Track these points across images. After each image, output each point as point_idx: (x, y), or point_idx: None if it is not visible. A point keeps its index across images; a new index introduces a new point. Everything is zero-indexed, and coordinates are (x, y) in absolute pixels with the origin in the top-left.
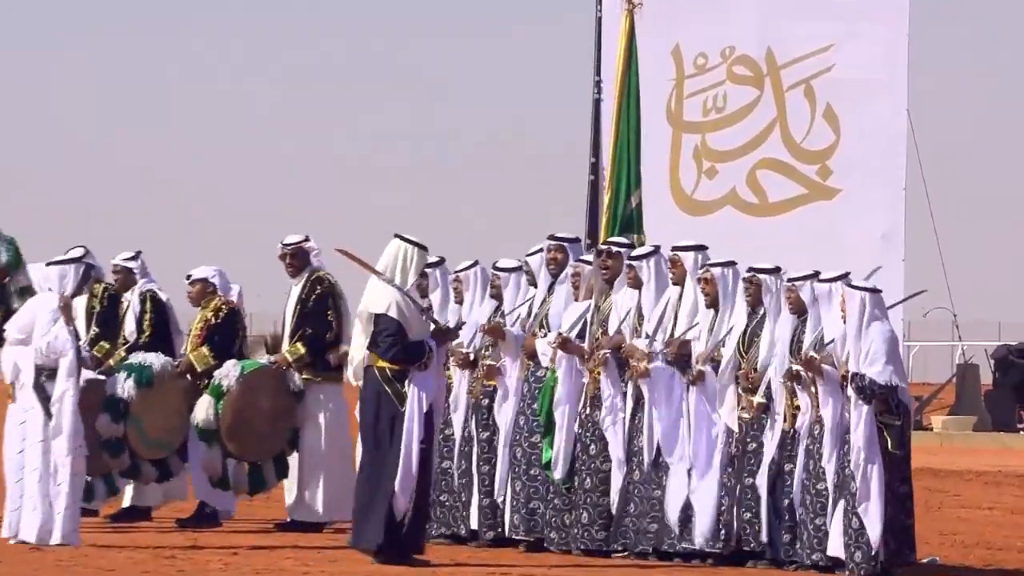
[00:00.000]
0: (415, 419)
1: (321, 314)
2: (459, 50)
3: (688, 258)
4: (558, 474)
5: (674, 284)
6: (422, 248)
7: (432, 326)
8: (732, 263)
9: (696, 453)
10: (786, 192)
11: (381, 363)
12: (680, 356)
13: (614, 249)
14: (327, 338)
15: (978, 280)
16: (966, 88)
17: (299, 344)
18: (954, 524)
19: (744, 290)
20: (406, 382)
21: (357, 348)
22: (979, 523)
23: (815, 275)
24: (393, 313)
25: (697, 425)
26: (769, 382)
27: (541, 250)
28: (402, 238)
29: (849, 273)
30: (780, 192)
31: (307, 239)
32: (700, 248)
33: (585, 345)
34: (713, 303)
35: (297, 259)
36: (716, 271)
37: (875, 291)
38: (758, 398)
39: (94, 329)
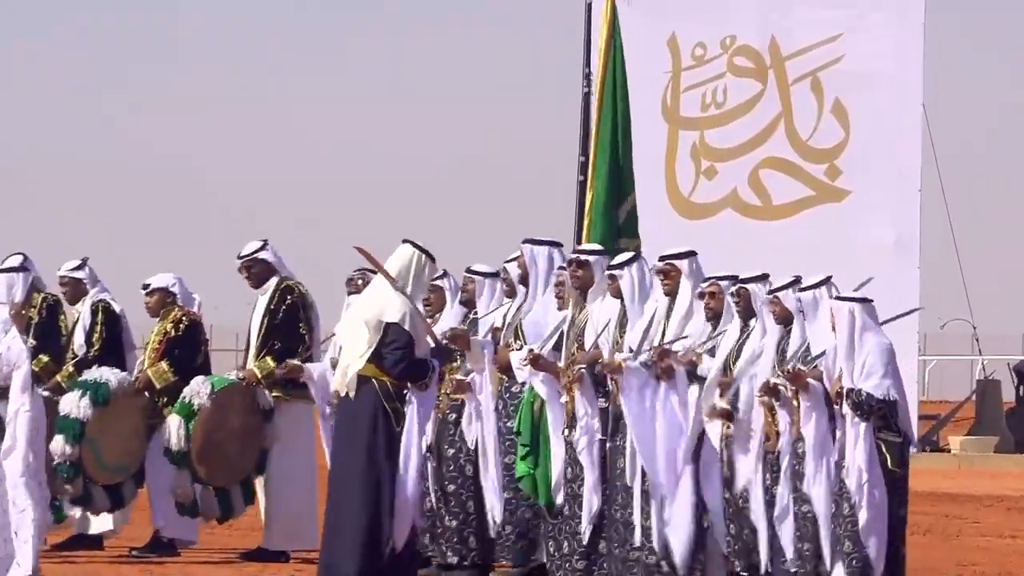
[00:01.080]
0: (414, 442)
1: (292, 327)
2: (443, 40)
3: (683, 266)
4: (559, 500)
5: (666, 295)
6: (432, 258)
7: (433, 343)
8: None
9: (666, 465)
10: (791, 194)
11: (383, 377)
12: (665, 367)
13: (583, 258)
14: (299, 352)
15: (999, 289)
16: (987, 80)
17: (268, 359)
18: (973, 554)
19: (734, 304)
20: (405, 400)
21: (352, 356)
22: (1001, 552)
23: (797, 282)
24: (406, 325)
25: (668, 434)
26: (737, 390)
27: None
28: (414, 245)
29: (830, 277)
30: (785, 194)
31: (264, 246)
32: (690, 254)
33: (562, 361)
34: (715, 317)
35: (258, 270)
36: (722, 284)
37: (864, 301)
38: (721, 402)
39: (31, 341)
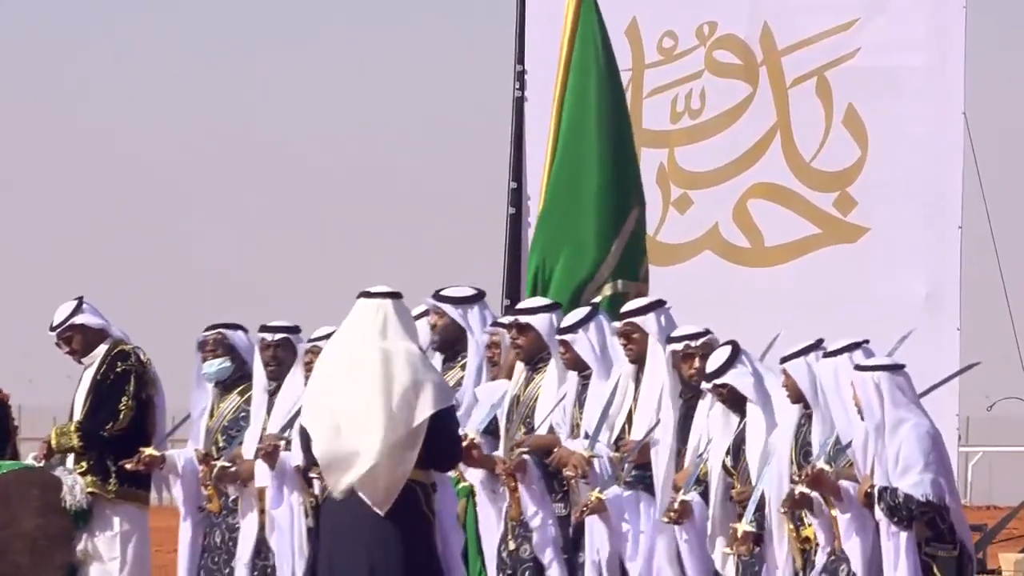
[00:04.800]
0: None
1: (113, 398)
2: (348, 33)
3: (648, 324)
4: None
5: (631, 362)
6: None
7: None
8: (736, 347)
9: None
10: (790, 231)
11: (421, 477)
12: (678, 511)
13: (523, 320)
14: (108, 431)
15: None
16: None
17: (74, 433)
18: None
19: (714, 391)
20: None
21: (395, 462)
22: None
23: (815, 346)
24: (454, 400)
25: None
26: (761, 499)
27: (425, 313)
28: (386, 295)
29: (866, 342)
30: (781, 231)
31: (79, 307)
32: (656, 306)
33: (501, 450)
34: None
35: (80, 339)
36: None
37: (894, 368)
38: (743, 524)
39: None
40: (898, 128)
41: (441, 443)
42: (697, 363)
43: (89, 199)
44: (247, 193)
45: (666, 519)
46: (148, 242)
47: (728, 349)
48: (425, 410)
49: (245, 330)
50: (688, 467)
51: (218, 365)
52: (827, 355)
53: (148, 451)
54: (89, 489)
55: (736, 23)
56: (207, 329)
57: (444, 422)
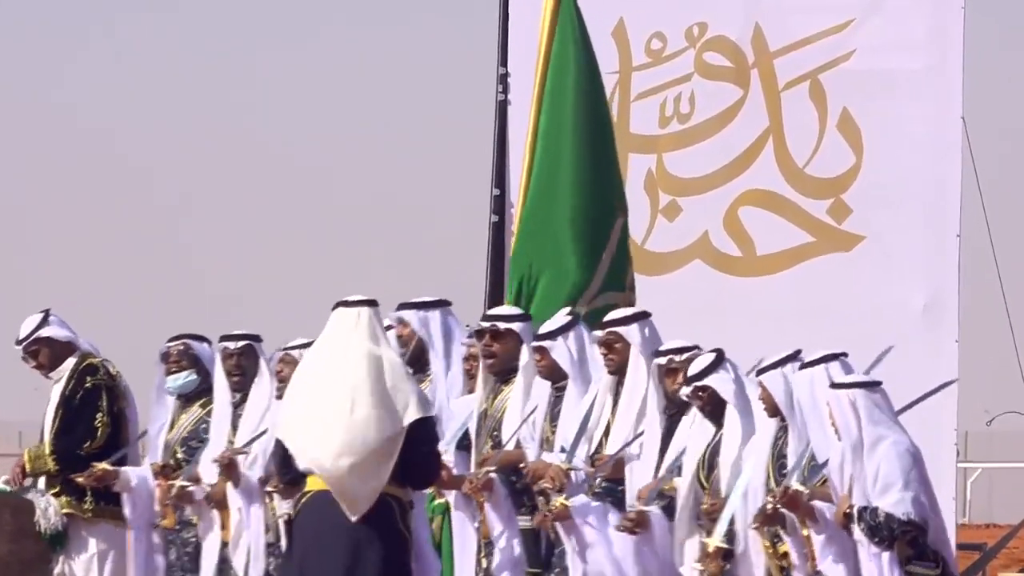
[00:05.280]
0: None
1: (86, 416)
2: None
3: (631, 334)
4: None
5: (611, 373)
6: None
7: None
8: (720, 353)
9: None
10: (783, 240)
11: (398, 492)
12: (634, 520)
13: (501, 326)
14: (86, 450)
15: None
16: None
17: (49, 456)
18: None
19: (694, 396)
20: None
21: (371, 469)
22: None
23: (792, 357)
24: (434, 411)
25: None
26: (733, 517)
27: (392, 326)
28: (361, 302)
29: (844, 355)
30: (774, 240)
31: (46, 319)
32: (640, 317)
33: (472, 466)
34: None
35: (46, 353)
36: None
37: (869, 385)
38: (715, 540)
39: None
40: (894, 132)
41: (416, 456)
42: (681, 378)
43: (72, 205)
44: (222, 198)
45: (621, 527)
46: (115, 250)
47: (713, 355)
48: (404, 419)
49: (209, 341)
50: (655, 480)
51: (184, 379)
52: (803, 367)
53: (101, 465)
54: (64, 510)
55: (727, 24)
56: (171, 340)
57: (421, 435)
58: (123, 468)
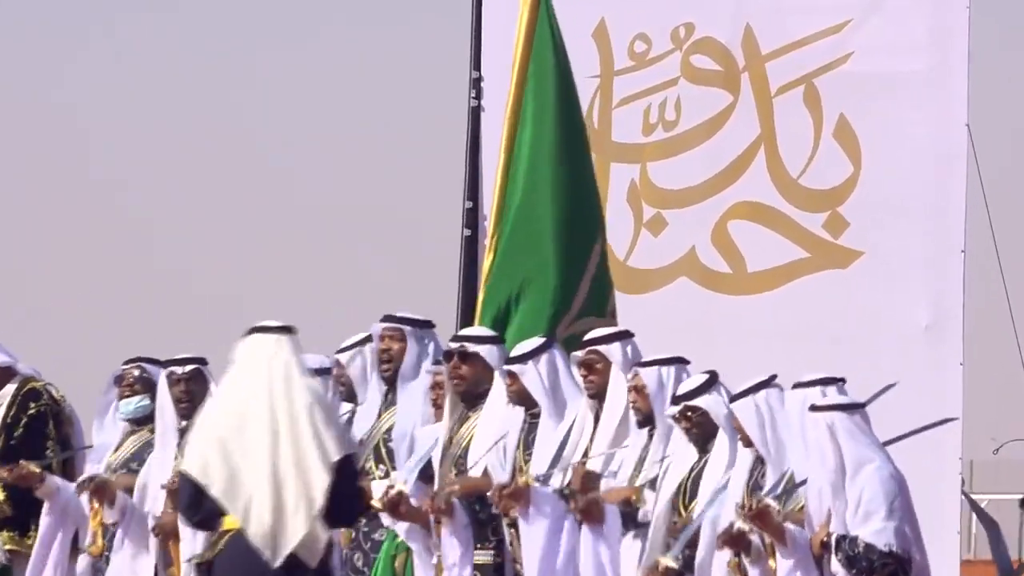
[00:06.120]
0: None
1: (36, 444)
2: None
3: (613, 354)
4: None
5: (591, 396)
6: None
7: None
8: (678, 360)
9: None
10: (775, 256)
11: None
12: (586, 504)
13: (469, 348)
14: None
15: None
16: None
17: None
18: None
19: (682, 417)
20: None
21: (294, 514)
22: None
23: (767, 383)
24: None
25: None
26: (694, 538)
27: (365, 340)
28: (278, 329)
29: (840, 381)
30: (766, 255)
31: None
32: (622, 336)
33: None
34: (646, 421)
35: None
36: (648, 374)
37: (849, 408)
38: (667, 558)
39: None
40: (895, 140)
41: (342, 495)
42: (639, 398)
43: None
44: (179, 209)
45: (571, 510)
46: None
47: (705, 375)
48: (332, 456)
49: (164, 365)
50: (621, 488)
51: (136, 403)
52: (795, 386)
53: (28, 465)
54: (7, 546)
55: (715, 25)
56: (126, 362)
57: (347, 472)
58: (51, 475)
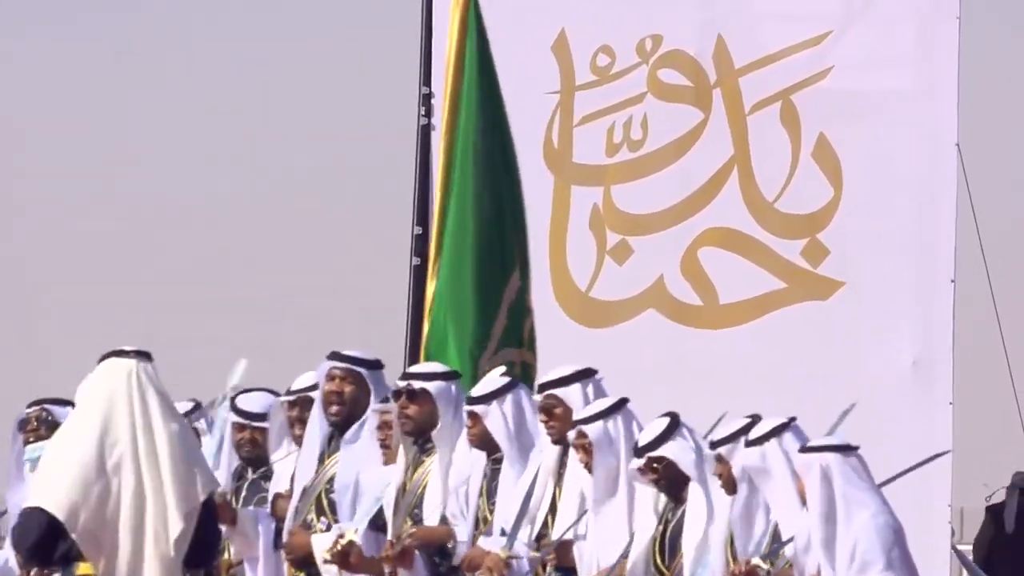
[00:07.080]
0: None
1: None
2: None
3: (573, 397)
4: None
5: (554, 443)
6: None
7: None
8: (620, 404)
9: None
10: (749, 286)
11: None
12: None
13: (416, 386)
14: None
15: None
16: None
17: None
18: None
19: (647, 469)
20: None
21: (161, 556)
22: None
23: (747, 428)
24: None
25: None
26: None
27: (308, 389)
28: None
29: (793, 420)
30: (739, 286)
31: None
32: (584, 376)
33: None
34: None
35: None
36: (593, 429)
37: (845, 449)
38: None
39: None
40: (879, 162)
41: (206, 537)
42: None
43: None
44: (93, 240)
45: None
46: None
47: (666, 420)
48: (199, 495)
49: (73, 405)
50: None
51: (43, 449)
52: (748, 444)
53: None
54: None
55: (685, 37)
56: (30, 405)
57: (211, 512)
58: None
